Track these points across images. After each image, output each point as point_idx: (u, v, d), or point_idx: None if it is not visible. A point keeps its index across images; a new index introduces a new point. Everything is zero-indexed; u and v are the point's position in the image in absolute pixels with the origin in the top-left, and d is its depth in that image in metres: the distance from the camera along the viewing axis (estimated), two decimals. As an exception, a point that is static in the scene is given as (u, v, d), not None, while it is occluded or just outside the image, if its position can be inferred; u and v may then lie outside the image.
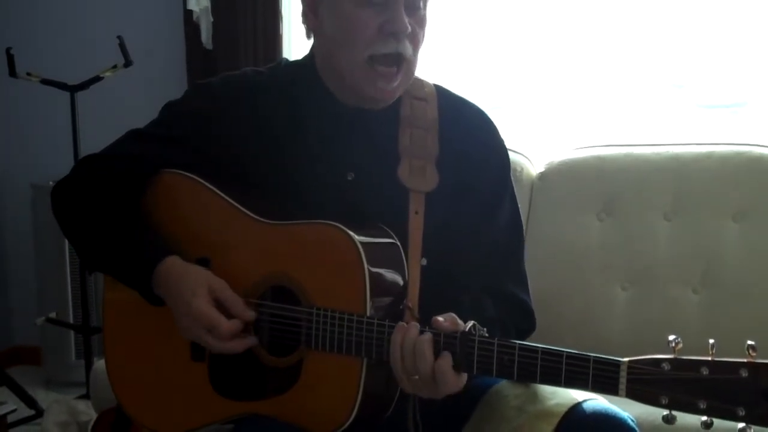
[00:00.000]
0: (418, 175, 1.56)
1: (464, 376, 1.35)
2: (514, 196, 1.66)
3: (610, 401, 1.40)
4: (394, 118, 1.60)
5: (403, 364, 1.35)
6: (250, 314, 1.47)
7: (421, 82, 1.64)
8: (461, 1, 3.33)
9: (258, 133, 1.59)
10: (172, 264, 1.49)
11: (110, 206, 1.59)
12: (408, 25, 1.48)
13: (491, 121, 1.67)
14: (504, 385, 1.51)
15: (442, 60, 3.31)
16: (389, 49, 1.49)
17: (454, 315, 1.38)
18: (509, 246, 1.63)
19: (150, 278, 1.50)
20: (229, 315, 1.45)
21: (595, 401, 1.42)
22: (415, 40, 1.52)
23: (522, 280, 1.64)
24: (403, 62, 1.51)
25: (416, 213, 1.53)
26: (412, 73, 1.57)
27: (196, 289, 1.45)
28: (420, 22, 1.52)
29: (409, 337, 1.35)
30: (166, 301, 1.50)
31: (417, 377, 1.34)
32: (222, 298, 1.46)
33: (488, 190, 1.62)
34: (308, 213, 1.48)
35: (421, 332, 1.35)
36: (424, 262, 1.50)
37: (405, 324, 1.37)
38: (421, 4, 1.52)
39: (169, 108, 1.68)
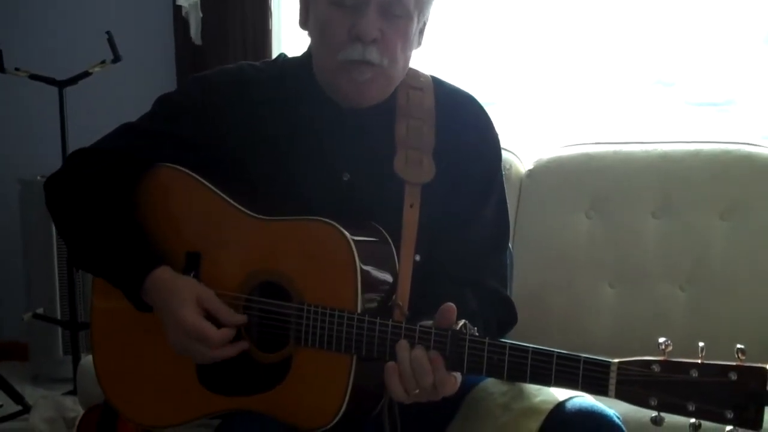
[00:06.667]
0: (415, 166, 1.54)
1: (459, 375, 1.35)
2: (503, 187, 1.63)
3: (597, 399, 1.40)
4: (390, 110, 1.57)
5: (404, 386, 1.34)
6: (240, 318, 1.47)
7: (416, 73, 1.62)
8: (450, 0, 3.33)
9: (253, 129, 1.57)
10: (161, 275, 1.48)
11: (102, 205, 1.57)
12: (377, 31, 1.44)
13: (485, 111, 1.64)
14: (488, 383, 1.51)
15: (431, 58, 3.30)
16: (356, 55, 1.45)
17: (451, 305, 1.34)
18: (494, 240, 1.61)
19: (139, 289, 1.49)
20: (218, 324, 1.45)
21: (581, 398, 1.42)
22: (389, 49, 1.47)
23: (502, 275, 1.61)
24: (370, 69, 1.47)
25: (411, 206, 1.51)
26: (389, 81, 1.53)
27: (184, 302, 1.45)
28: (401, 31, 1.47)
29: (411, 357, 1.33)
30: (155, 313, 1.50)
31: (417, 391, 1.34)
32: (210, 307, 1.46)
33: (479, 182, 1.59)
34: (302, 211, 1.47)
35: (412, 345, 1.34)
36: (417, 258, 1.49)
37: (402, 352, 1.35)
38: (401, 10, 1.46)
39: (163, 101, 1.66)
